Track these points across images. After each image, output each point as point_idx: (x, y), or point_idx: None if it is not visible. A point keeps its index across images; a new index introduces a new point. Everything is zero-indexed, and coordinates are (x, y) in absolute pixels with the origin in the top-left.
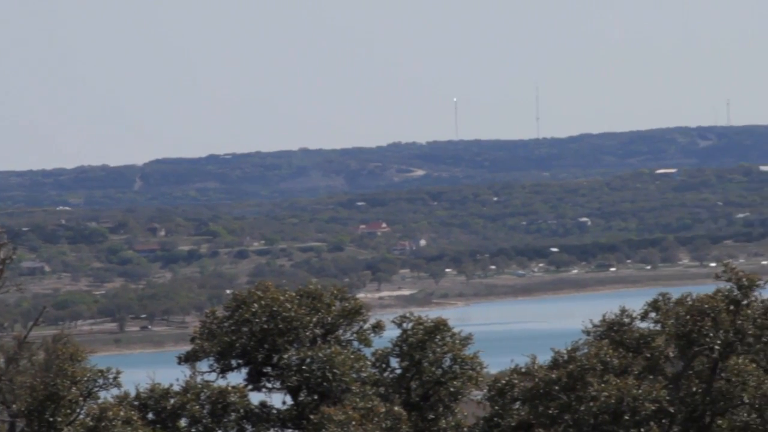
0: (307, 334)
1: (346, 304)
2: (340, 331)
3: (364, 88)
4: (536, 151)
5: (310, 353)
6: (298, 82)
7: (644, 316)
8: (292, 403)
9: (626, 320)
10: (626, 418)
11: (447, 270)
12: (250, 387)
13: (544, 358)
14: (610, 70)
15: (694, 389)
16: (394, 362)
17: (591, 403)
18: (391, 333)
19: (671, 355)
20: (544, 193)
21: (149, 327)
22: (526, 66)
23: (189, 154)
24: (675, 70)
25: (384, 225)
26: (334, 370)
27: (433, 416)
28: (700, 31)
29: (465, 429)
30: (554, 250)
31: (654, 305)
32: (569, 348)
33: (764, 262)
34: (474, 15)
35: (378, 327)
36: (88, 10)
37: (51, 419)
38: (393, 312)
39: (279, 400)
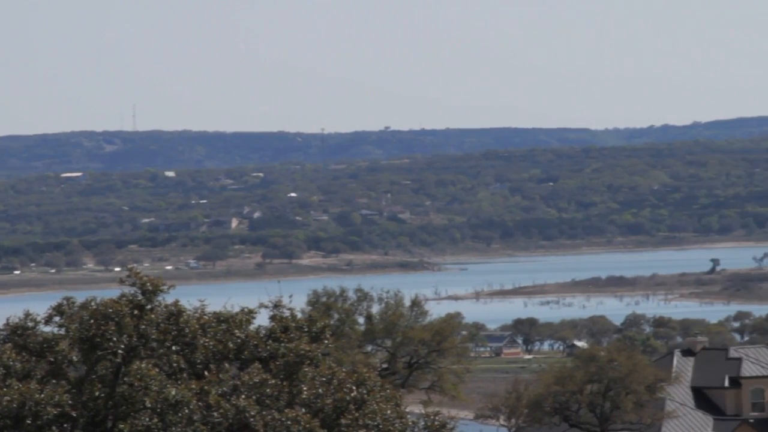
0: None
1: None
2: None
3: None
4: None
5: None
6: None
7: (48, 320)
8: None
9: (30, 324)
10: (28, 422)
11: None
12: None
13: None
14: (35, 67)
15: (97, 393)
16: None
17: None
18: None
19: (75, 359)
20: None
21: None
22: None
23: None
24: (79, 73)
25: None
26: None
27: None
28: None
29: None
30: None
31: (58, 309)
32: None
33: (168, 267)
34: None
35: None
36: None
37: None
38: None
39: None
